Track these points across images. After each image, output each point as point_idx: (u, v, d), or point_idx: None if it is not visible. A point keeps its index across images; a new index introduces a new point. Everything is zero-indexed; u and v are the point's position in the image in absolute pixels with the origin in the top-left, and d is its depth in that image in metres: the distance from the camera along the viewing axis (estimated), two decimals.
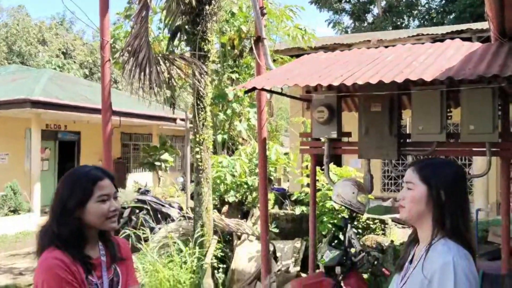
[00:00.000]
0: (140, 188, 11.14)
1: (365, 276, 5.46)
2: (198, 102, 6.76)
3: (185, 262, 6.14)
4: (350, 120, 6.03)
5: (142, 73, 5.92)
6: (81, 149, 16.87)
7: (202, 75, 6.63)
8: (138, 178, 17.42)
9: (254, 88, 4.80)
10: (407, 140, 5.10)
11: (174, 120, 17.12)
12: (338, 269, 4.58)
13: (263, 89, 5.08)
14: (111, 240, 2.13)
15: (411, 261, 1.92)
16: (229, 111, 10.66)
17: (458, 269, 1.68)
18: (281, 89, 6.09)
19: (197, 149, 6.76)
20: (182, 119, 15.75)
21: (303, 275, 6.16)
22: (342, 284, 4.65)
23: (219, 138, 10.76)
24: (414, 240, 1.98)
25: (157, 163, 17.60)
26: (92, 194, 1.96)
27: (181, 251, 6.32)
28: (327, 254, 4.65)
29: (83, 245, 1.98)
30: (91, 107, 13.35)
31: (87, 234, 2.00)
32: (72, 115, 14.03)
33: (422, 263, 1.78)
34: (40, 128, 13.71)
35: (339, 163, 9.64)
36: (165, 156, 17.64)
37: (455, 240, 1.78)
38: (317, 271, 5.19)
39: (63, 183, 2.01)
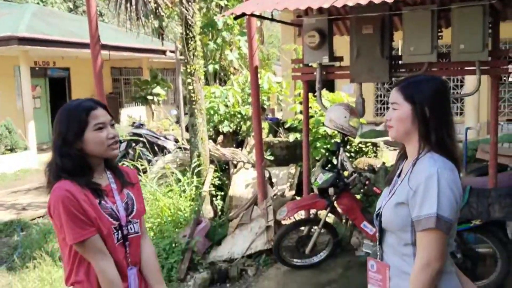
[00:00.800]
0: (134, 122, 11.19)
1: (357, 196, 5.67)
2: (187, 32, 6.65)
3: (184, 191, 6.32)
4: (342, 45, 6.00)
5: (128, 3, 5.80)
6: (72, 85, 16.69)
7: (190, 3, 6.47)
8: (131, 113, 17.41)
9: (243, 14, 4.73)
10: (399, 62, 5.12)
11: (163, 52, 16.84)
12: (331, 190, 4.75)
13: (252, 15, 5.01)
14: (118, 167, 2.21)
15: (399, 175, 2.02)
16: (219, 40, 10.51)
17: (441, 180, 1.77)
18: (272, 15, 5.99)
19: (189, 80, 6.74)
20: (172, 51, 15.49)
21: (298, 198, 6.38)
22: (335, 204, 4.85)
23: (211, 68, 10.69)
24: (403, 155, 2.07)
25: (150, 97, 17.55)
26: (87, 123, 2.00)
27: (180, 180, 6.49)
28: (321, 177, 4.80)
29: (89, 174, 2.05)
30: (79, 42, 13.08)
31: (91, 163, 2.06)
32: (60, 51, 13.78)
33: (409, 176, 1.88)
34: (29, 66, 13.49)
35: (332, 89, 9.66)
36: (157, 89, 17.55)
37: (441, 153, 1.86)
38: (311, 193, 5.38)
39: (59, 118, 2.05)
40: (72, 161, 1.99)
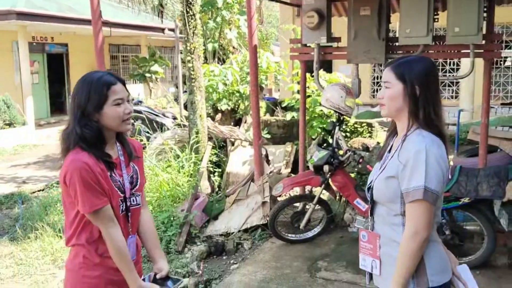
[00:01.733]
0: (133, 99, 11.23)
1: (352, 174, 5.82)
2: (188, 10, 6.70)
3: (182, 167, 6.45)
4: (341, 26, 6.07)
5: None
6: (70, 61, 16.67)
7: None
8: (129, 90, 17.42)
9: None
10: (395, 44, 5.21)
11: (162, 30, 16.82)
12: (326, 168, 4.88)
13: None
14: (127, 140, 2.30)
15: (389, 151, 2.13)
16: (218, 19, 10.52)
17: (429, 155, 1.90)
18: None
19: (189, 58, 6.81)
20: (170, 29, 15.48)
21: (294, 176, 6.51)
22: (329, 181, 4.99)
23: (210, 46, 10.72)
24: (393, 132, 2.18)
25: (147, 75, 17.56)
26: (107, 98, 2.08)
27: (178, 156, 6.61)
28: (316, 154, 4.93)
29: (103, 146, 2.14)
30: (77, 17, 13.06)
31: (106, 135, 2.15)
32: (59, 27, 13.74)
33: (398, 151, 1.99)
34: (27, 41, 13.47)
35: (329, 70, 9.75)
36: (155, 67, 17.56)
37: (428, 129, 1.97)
38: (307, 171, 5.51)
39: (79, 88, 2.12)
40: (91, 131, 2.07)
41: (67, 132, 2.12)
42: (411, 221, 1.91)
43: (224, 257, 5.04)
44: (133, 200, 2.23)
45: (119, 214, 2.16)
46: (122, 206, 2.18)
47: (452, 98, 12.28)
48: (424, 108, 1.97)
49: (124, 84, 2.17)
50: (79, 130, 2.07)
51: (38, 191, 7.83)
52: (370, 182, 2.15)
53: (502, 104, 10.10)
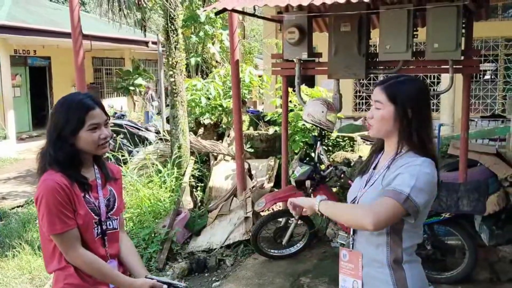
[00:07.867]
0: (115, 113, 11.17)
1: (334, 189, 5.82)
2: (170, 25, 6.70)
3: (164, 182, 6.39)
4: (322, 41, 6.11)
5: None
6: (53, 75, 16.52)
7: None
8: (112, 103, 17.32)
9: (224, 9, 4.80)
10: (376, 60, 5.25)
11: (146, 43, 16.78)
12: (308, 183, 4.87)
13: (233, 10, 5.08)
14: (104, 162, 2.27)
15: (375, 167, 2.08)
16: (201, 34, 10.53)
17: (421, 172, 1.86)
18: (254, 9, 6.07)
19: (171, 72, 6.79)
20: (154, 42, 15.44)
21: (276, 190, 6.49)
22: (312, 196, 4.97)
23: (193, 61, 10.70)
24: (379, 148, 2.13)
25: (131, 88, 17.48)
26: (84, 123, 2.06)
27: (160, 171, 6.55)
28: (298, 170, 4.92)
29: (79, 168, 2.12)
30: (60, 31, 12.97)
31: (82, 158, 2.13)
32: (41, 40, 13.63)
33: (386, 172, 1.96)
34: (9, 54, 13.34)
35: (312, 84, 9.79)
36: (139, 80, 17.49)
37: (422, 153, 1.94)
38: (289, 186, 5.49)
39: (58, 110, 2.10)
40: (65, 154, 2.05)
41: (42, 152, 2.11)
42: (380, 211, 1.81)
43: (206, 274, 4.98)
44: (109, 224, 2.19)
45: (93, 237, 2.11)
46: (97, 229, 2.13)
47: (433, 111, 12.42)
48: (418, 132, 1.93)
49: (103, 109, 2.15)
50: (53, 152, 2.06)
51: (18, 207, 7.68)
52: (354, 199, 2.08)
53: (481, 117, 10.25)
